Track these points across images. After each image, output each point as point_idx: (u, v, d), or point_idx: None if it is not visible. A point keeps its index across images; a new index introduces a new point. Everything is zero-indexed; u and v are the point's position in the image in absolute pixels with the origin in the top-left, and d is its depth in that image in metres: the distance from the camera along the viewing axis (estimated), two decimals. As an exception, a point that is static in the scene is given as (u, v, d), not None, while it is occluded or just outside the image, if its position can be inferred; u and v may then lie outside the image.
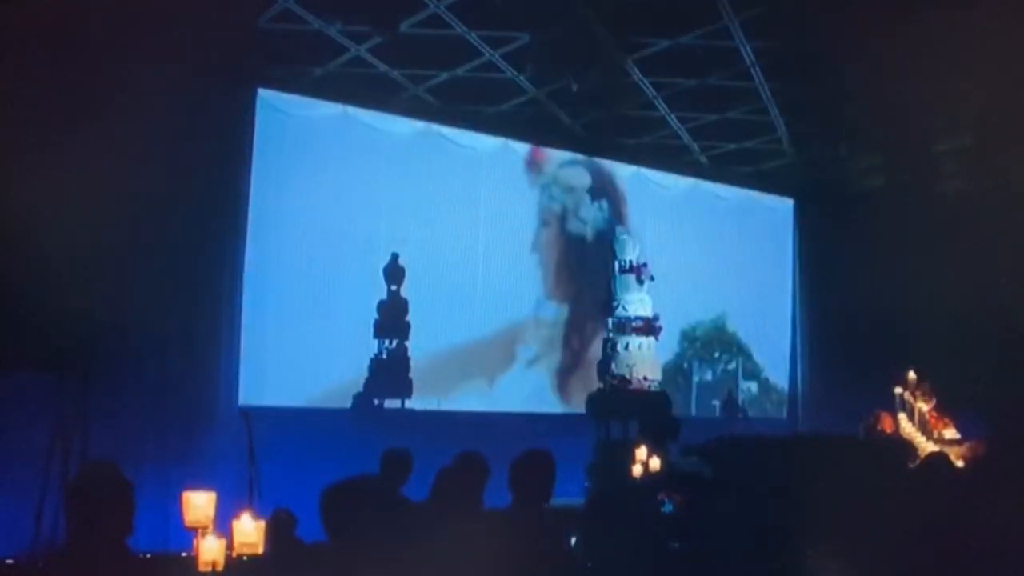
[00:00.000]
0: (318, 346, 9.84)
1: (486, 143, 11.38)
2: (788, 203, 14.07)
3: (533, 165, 11.85)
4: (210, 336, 8.99)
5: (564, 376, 11.83)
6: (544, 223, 11.91)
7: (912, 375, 9.80)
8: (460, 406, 10.67)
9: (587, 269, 11.84)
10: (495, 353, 11.29)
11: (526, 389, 11.46)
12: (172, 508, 4.84)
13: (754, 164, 12.83)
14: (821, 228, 13.66)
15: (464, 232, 11.09)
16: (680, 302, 12.14)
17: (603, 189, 12.36)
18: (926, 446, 8.78)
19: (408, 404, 10.35)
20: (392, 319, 10.34)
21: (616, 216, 12.35)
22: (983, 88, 9.48)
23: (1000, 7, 7.62)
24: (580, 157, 12.19)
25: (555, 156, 12.00)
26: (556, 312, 11.89)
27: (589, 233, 12.16)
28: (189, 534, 4.28)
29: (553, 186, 12.02)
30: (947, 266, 11.34)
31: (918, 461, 6.15)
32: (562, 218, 12.09)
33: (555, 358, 11.84)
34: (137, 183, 7.75)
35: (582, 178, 12.23)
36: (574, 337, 11.94)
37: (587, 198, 12.26)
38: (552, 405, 11.52)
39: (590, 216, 12.18)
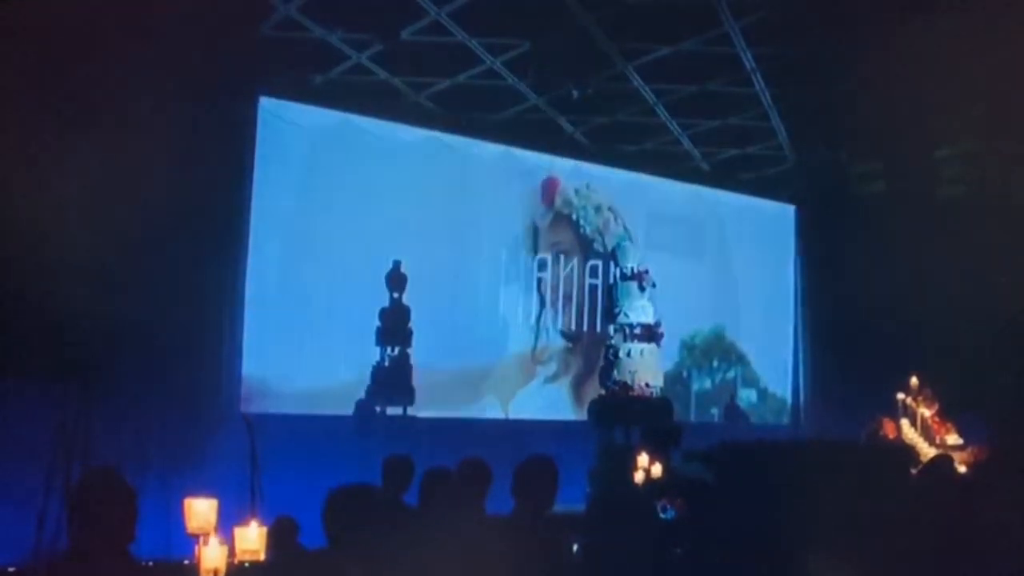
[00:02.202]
0: (320, 353, 9.84)
1: (487, 150, 11.39)
2: (789, 209, 14.07)
3: (547, 195, 11.86)
4: (212, 342, 9.00)
5: (575, 385, 11.81)
6: (566, 251, 11.91)
7: (914, 381, 9.80)
8: (462, 413, 10.67)
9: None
10: (498, 359, 11.29)
11: (530, 397, 11.45)
12: (174, 515, 4.84)
13: (755, 170, 12.84)
14: (822, 234, 13.65)
15: (466, 237, 11.10)
16: (680, 309, 12.14)
17: (613, 200, 12.35)
18: (928, 451, 8.77)
19: (410, 411, 10.34)
20: (394, 326, 10.32)
21: (619, 224, 12.34)
22: (983, 93, 9.49)
23: (999, 11, 7.63)
24: (593, 178, 12.17)
25: (567, 181, 11.99)
26: (561, 321, 11.89)
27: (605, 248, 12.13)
28: (191, 541, 4.28)
29: (586, 208, 12.02)
30: (949, 272, 11.35)
31: (920, 466, 6.15)
32: (591, 241, 12.10)
33: (561, 366, 11.83)
34: (139, 190, 7.75)
35: (603, 198, 12.22)
36: (581, 348, 11.94)
37: (611, 216, 12.27)
38: (556, 412, 11.50)
39: (612, 230, 12.16)
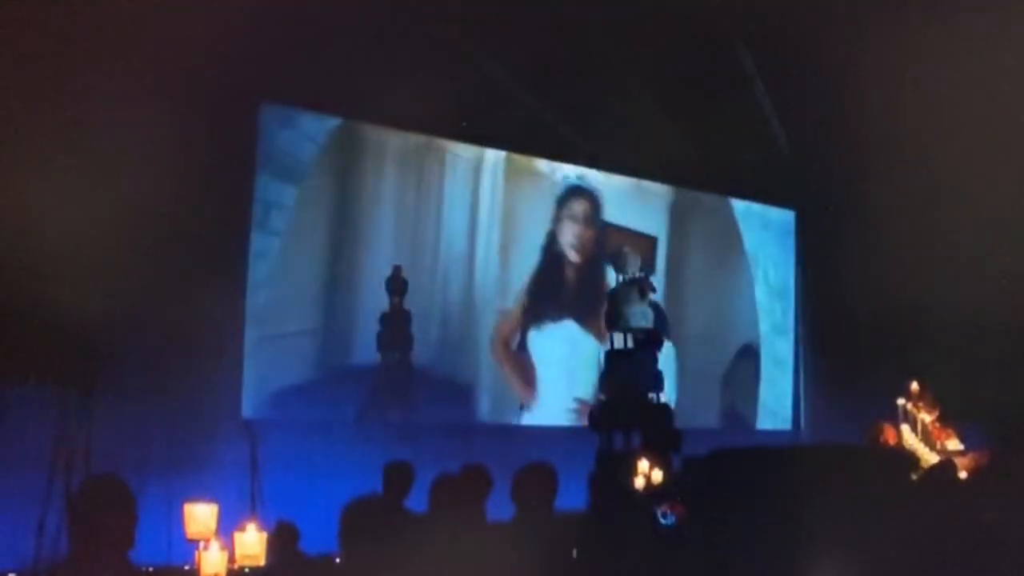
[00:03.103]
0: (321, 357, 9.84)
1: (488, 155, 11.40)
2: (789, 215, 14.06)
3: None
4: (213, 347, 8.99)
5: (575, 390, 11.80)
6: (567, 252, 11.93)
7: (915, 386, 9.78)
8: (463, 419, 10.67)
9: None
10: (499, 365, 11.29)
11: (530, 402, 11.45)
12: (175, 520, 4.84)
13: (755, 175, 12.83)
14: (822, 239, 13.63)
15: (467, 243, 11.11)
16: (680, 314, 12.12)
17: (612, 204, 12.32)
18: (929, 457, 8.76)
19: (410, 417, 10.34)
20: (395, 331, 10.32)
21: (617, 229, 12.32)
22: (984, 93, 9.49)
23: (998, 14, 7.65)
24: (593, 183, 12.17)
25: (567, 184, 11.98)
26: (563, 322, 11.89)
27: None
28: (191, 546, 4.28)
29: (585, 213, 12.00)
30: (951, 275, 11.33)
31: (921, 472, 6.15)
32: (591, 246, 12.06)
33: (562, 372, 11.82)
34: (140, 192, 7.77)
35: (603, 203, 12.20)
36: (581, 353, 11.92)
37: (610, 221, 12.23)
38: (556, 418, 11.49)
39: (611, 236, 12.10)
